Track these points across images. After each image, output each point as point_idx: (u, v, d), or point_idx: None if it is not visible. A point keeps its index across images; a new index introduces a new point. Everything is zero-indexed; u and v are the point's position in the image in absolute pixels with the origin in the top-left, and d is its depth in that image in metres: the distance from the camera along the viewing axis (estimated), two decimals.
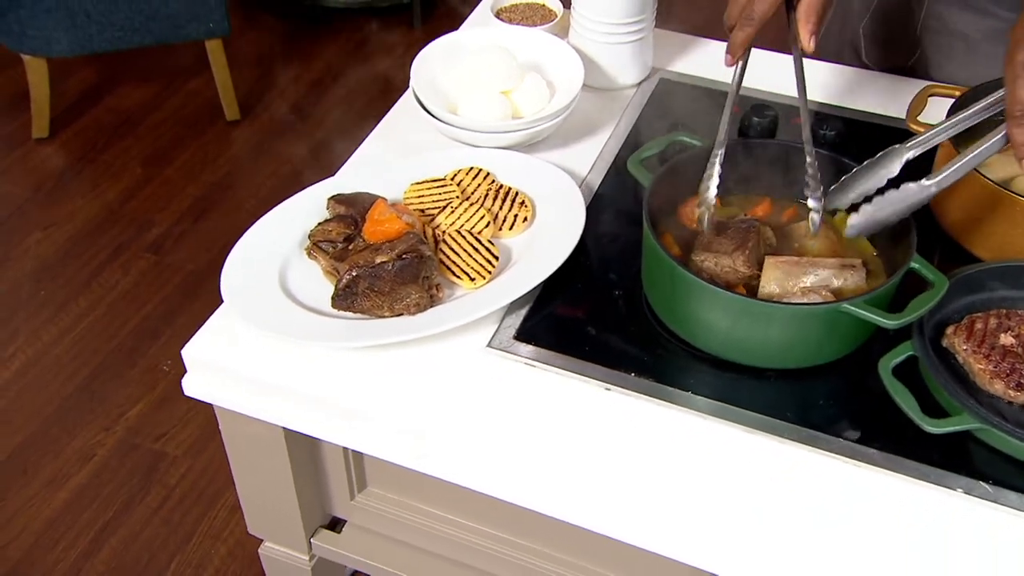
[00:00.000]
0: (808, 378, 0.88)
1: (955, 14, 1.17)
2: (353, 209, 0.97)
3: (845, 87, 1.23)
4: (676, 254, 0.94)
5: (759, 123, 1.13)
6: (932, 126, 0.98)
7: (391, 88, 0.98)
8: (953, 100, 1.02)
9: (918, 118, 1.03)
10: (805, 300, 0.87)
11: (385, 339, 0.88)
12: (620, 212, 1.07)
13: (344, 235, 0.96)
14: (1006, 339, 0.86)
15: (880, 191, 0.89)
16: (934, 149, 0.90)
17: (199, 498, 1.77)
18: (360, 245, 0.94)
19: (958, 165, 0.83)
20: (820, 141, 1.11)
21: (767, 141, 1.06)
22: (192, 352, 0.91)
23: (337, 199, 0.99)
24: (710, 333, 0.88)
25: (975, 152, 0.82)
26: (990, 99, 0.86)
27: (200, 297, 2.20)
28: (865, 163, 0.88)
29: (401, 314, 0.91)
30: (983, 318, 0.88)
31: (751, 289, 0.90)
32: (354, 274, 0.89)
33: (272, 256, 0.96)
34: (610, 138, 1.16)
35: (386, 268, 0.89)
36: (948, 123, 0.87)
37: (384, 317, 0.91)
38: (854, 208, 0.90)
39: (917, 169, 0.88)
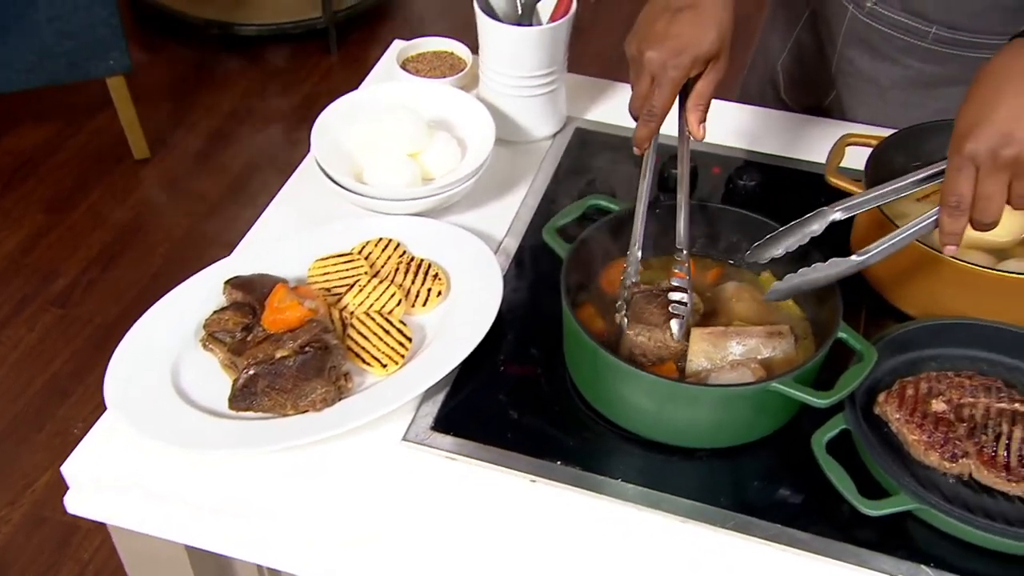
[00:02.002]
0: (741, 456, 0.84)
1: (866, 60, 1.16)
2: (251, 295, 0.89)
3: (765, 131, 1.19)
4: (599, 329, 0.89)
5: (678, 175, 1.09)
6: (853, 180, 0.97)
7: (310, 116, 0.93)
8: (871, 149, 0.99)
9: (837, 168, 1.00)
10: (735, 374, 0.83)
11: (288, 442, 0.80)
12: (540, 277, 1.01)
13: (242, 325, 0.88)
14: (937, 405, 0.83)
15: (805, 252, 0.85)
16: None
17: (115, 573, 1.66)
18: (259, 336, 0.86)
19: (887, 244, 0.81)
20: (740, 192, 1.08)
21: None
22: (73, 468, 0.82)
23: (234, 284, 0.91)
24: (637, 415, 0.84)
25: (906, 232, 0.80)
26: (923, 173, 0.83)
27: (112, 351, 2.07)
28: (792, 223, 0.86)
29: (307, 411, 0.83)
30: (913, 383, 0.85)
31: (682, 369, 0.86)
32: (251, 372, 0.81)
33: (163, 351, 0.88)
34: (527, 195, 1.10)
35: (287, 364, 0.82)
36: (877, 192, 0.84)
37: (288, 415, 0.83)
38: (775, 262, 0.88)
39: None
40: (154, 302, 0.91)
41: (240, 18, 2.87)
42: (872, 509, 0.75)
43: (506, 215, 1.07)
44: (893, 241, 0.80)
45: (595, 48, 2.64)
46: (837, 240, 0.94)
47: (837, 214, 0.84)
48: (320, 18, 2.86)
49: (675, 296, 0.87)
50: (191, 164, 2.56)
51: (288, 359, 0.82)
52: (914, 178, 0.84)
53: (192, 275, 0.94)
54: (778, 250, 0.86)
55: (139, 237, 2.36)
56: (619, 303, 0.88)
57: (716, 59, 0.85)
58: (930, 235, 0.93)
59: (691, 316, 0.87)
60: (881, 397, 0.85)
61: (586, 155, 1.16)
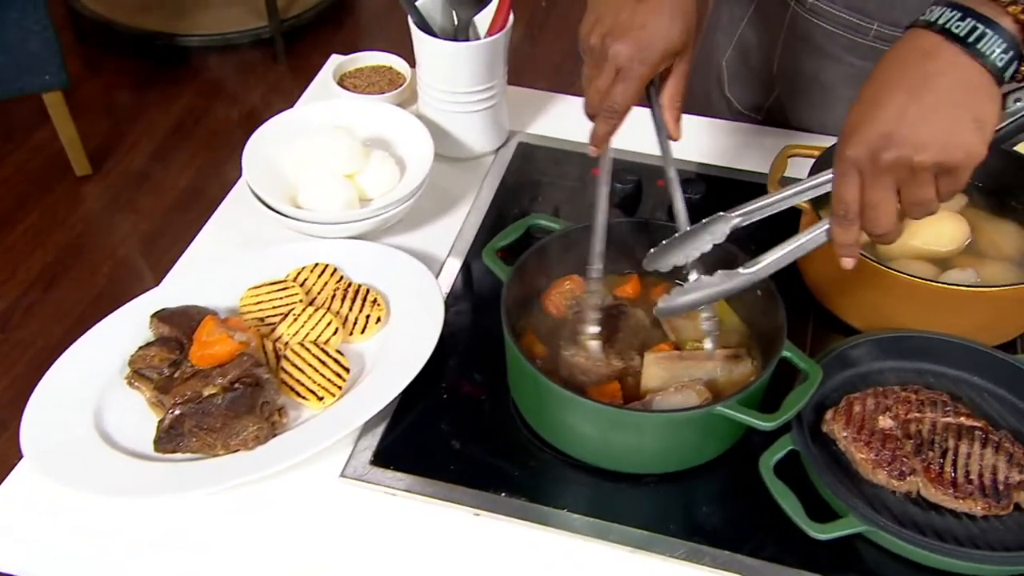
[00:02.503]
0: (690, 480, 0.82)
1: (808, 58, 1.14)
2: (179, 329, 0.85)
3: (710, 141, 1.18)
4: (542, 354, 0.86)
5: (622, 189, 1.07)
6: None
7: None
8: (815, 159, 0.98)
9: (779, 180, 0.98)
10: (680, 397, 0.81)
11: (218, 484, 0.77)
12: (484, 297, 0.98)
13: (169, 361, 0.84)
14: (884, 421, 0.82)
15: (697, 264, 0.81)
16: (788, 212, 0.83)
17: None
18: (187, 372, 0.82)
19: (779, 255, 0.75)
20: (685, 205, 1.05)
21: (631, 219, 0.99)
22: None
23: (161, 317, 0.87)
24: (582, 442, 0.81)
25: (797, 243, 0.75)
26: (823, 177, 0.75)
27: None
28: (690, 228, 0.80)
29: (238, 450, 0.79)
30: (860, 399, 0.84)
31: (630, 385, 0.84)
32: (177, 412, 0.77)
33: (85, 392, 0.83)
34: (469, 212, 1.08)
35: (215, 402, 0.78)
36: (776, 196, 0.78)
37: (219, 455, 0.79)
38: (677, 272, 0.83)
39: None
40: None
41: (183, 29, 2.81)
42: (821, 533, 0.74)
43: (448, 234, 1.04)
44: (784, 252, 0.75)
45: (544, 52, 2.63)
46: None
47: (736, 219, 0.78)
48: (266, 27, 2.80)
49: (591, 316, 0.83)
50: (135, 180, 2.49)
51: (216, 396, 0.78)
52: (813, 182, 0.75)
53: (130, 300, 0.90)
54: (678, 258, 0.80)
55: (82, 257, 2.28)
56: (585, 324, 0.84)
57: (683, 52, 0.79)
58: (876, 248, 0.94)
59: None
60: (828, 415, 0.83)
61: (530, 169, 1.13)
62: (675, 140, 0.83)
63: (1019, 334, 0.94)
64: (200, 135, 2.63)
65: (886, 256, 0.94)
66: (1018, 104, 0.67)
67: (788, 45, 1.15)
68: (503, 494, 0.80)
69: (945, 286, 0.87)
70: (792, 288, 0.95)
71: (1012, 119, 0.67)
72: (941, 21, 0.65)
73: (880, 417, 0.82)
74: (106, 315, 0.88)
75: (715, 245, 0.79)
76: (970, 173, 0.65)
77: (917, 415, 0.82)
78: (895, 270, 0.86)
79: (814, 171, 0.96)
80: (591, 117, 0.81)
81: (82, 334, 0.87)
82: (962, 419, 0.82)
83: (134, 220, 2.38)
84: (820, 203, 0.91)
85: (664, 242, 0.81)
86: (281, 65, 2.88)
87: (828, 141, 1.01)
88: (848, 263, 0.72)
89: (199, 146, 2.58)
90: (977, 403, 0.86)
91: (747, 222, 0.79)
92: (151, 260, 2.26)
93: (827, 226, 0.73)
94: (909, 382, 0.86)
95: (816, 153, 0.99)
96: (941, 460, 0.79)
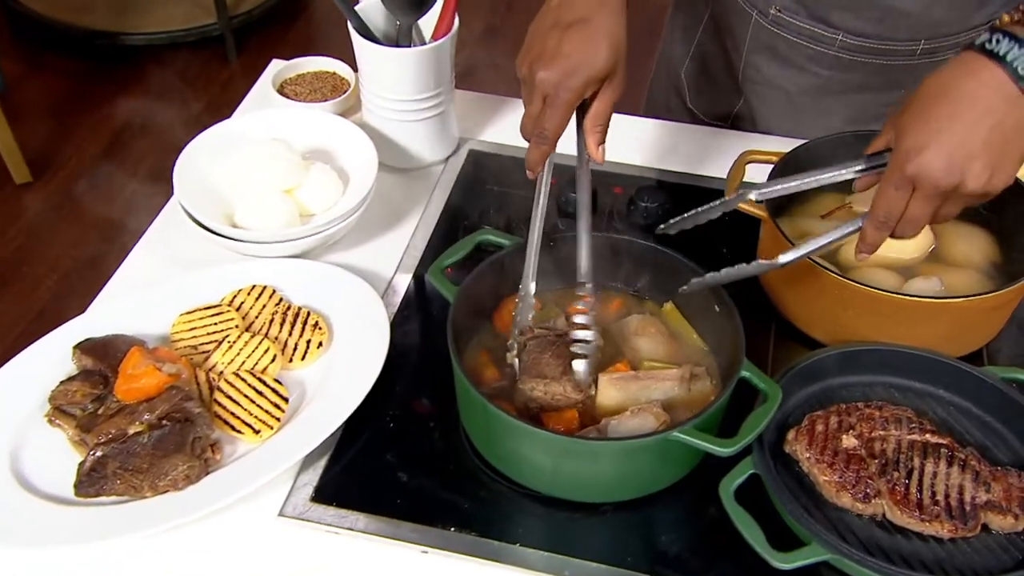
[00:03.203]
0: (648, 508, 0.80)
1: (773, 68, 1.13)
2: (103, 361, 0.82)
3: (668, 146, 1.16)
4: (493, 377, 0.84)
5: (575, 199, 1.05)
6: (754, 202, 0.93)
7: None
8: (772, 165, 0.96)
9: (738, 187, 0.96)
10: (636, 421, 0.79)
11: (147, 530, 0.73)
12: (434, 317, 0.96)
13: (92, 396, 0.80)
14: (848, 441, 0.80)
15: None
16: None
17: None
18: (112, 408, 0.78)
19: (812, 248, 0.80)
20: (643, 214, 1.05)
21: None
22: None
23: (83, 348, 0.83)
24: (534, 471, 0.79)
25: (831, 238, 0.80)
26: (842, 172, 0.82)
27: None
28: (714, 204, 0.86)
29: (167, 491, 0.76)
30: (823, 418, 0.82)
31: (586, 407, 0.82)
32: (99, 454, 0.74)
33: (1, 429, 0.79)
34: (418, 226, 1.05)
35: (140, 441, 0.75)
36: (799, 180, 0.84)
37: (146, 497, 0.76)
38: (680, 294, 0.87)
39: None
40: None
41: (127, 27, 2.73)
42: (783, 562, 0.72)
43: (395, 250, 1.01)
44: (818, 244, 0.80)
45: (505, 54, 2.59)
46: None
47: (754, 195, 0.85)
48: (215, 24, 2.74)
49: (579, 335, 0.82)
50: (79, 188, 2.42)
51: (142, 435, 0.75)
52: (831, 175, 0.82)
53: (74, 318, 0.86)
54: (689, 225, 0.87)
55: (23, 270, 2.22)
56: (510, 342, 0.83)
57: (611, 77, 0.81)
58: (833, 256, 0.94)
59: (596, 355, 0.82)
60: (790, 435, 0.82)
61: (482, 179, 1.11)
62: (597, 163, 0.85)
63: (985, 344, 0.93)
64: (148, 139, 2.56)
65: (848, 265, 0.93)
66: None
67: (753, 54, 1.14)
68: (452, 529, 0.78)
69: (908, 298, 0.86)
70: (754, 300, 0.95)
71: None
72: (1009, 58, 0.70)
73: (843, 436, 0.80)
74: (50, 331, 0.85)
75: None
76: None
77: (881, 433, 0.81)
78: (857, 282, 0.85)
79: (773, 176, 0.95)
80: (527, 140, 0.83)
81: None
82: (928, 436, 0.81)
83: (79, 230, 2.32)
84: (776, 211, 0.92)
85: (686, 214, 0.86)
86: (232, 64, 2.82)
87: (786, 144, 0.99)
88: (864, 257, 0.79)
89: (147, 151, 2.52)
90: (943, 418, 0.85)
91: (764, 198, 0.86)
92: (99, 273, 2.20)
93: (858, 224, 0.78)
94: (874, 397, 0.85)
95: (774, 159, 0.97)
96: (907, 481, 0.77)
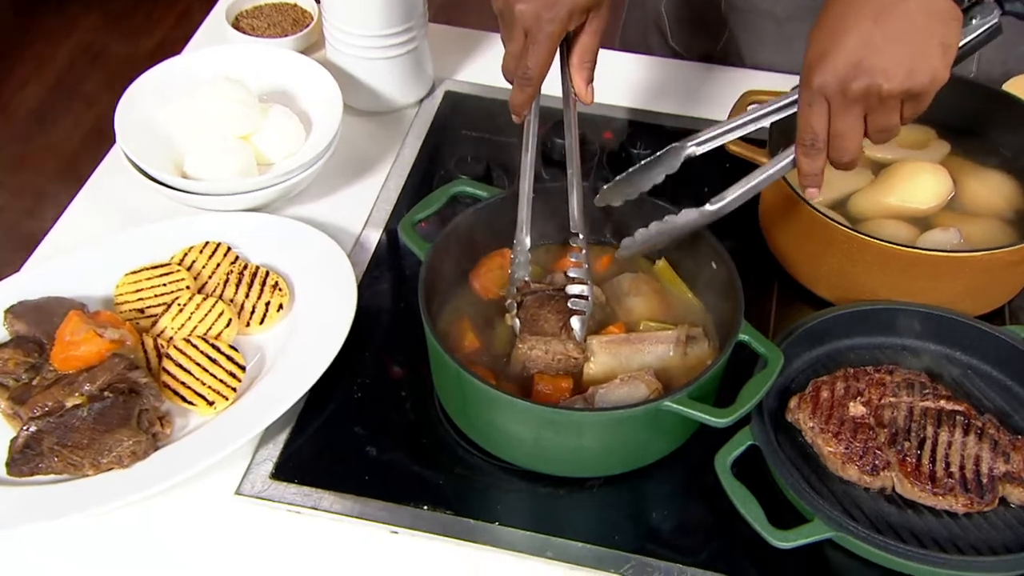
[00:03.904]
0: (638, 482, 0.79)
1: None
2: (38, 327, 0.80)
3: (660, 85, 1.13)
4: (471, 345, 0.82)
5: (563, 144, 1.02)
6: (755, 148, 0.92)
7: None
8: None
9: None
10: (626, 389, 0.77)
11: (89, 510, 0.72)
12: (405, 279, 0.94)
13: (27, 365, 0.78)
14: (856, 408, 0.79)
15: (655, 211, 0.82)
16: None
17: None
18: (48, 378, 0.77)
19: (744, 189, 0.78)
20: (635, 162, 1.00)
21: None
22: None
23: (16, 312, 0.81)
24: (514, 444, 0.78)
25: (763, 175, 0.77)
26: (777, 103, 0.80)
27: None
28: (643, 161, 0.83)
29: (112, 468, 0.74)
30: (829, 383, 0.81)
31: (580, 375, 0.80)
32: (32, 429, 0.72)
33: None
34: (389, 176, 1.03)
35: (79, 415, 0.73)
36: (736, 120, 0.81)
37: (87, 476, 0.74)
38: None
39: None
40: None
41: None
42: (783, 541, 0.71)
43: (364, 203, 1.00)
44: (750, 185, 0.77)
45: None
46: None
47: (691, 148, 0.82)
48: None
49: (574, 289, 0.81)
50: (21, 131, 2.36)
51: (81, 408, 0.73)
52: (767, 109, 0.80)
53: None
54: (630, 192, 0.84)
55: None
56: (508, 302, 0.82)
57: (596, 6, 0.79)
58: (842, 206, 0.92)
59: (593, 312, 0.81)
60: (793, 402, 0.80)
61: (460, 123, 1.09)
62: (586, 103, 0.83)
63: (1007, 301, 0.91)
64: (95, 79, 2.49)
65: (858, 216, 0.91)
66: (974, 22, 0.71)
67: None
68: (425, 507, 0.77)
69: (923, 252, 0.83)
70: (755, 256, 0.94)
71: (970, 38, 0.72)
72: None
73: (851, 403, 0.79)
74: None
75: (668, 176, 0.82)
76: (932, 97, 0.69)
77: (892, 399, 0.79)
78: (867, 235, 0.83)
79: (776, 122, 0.92)
80: (510, 82, 0.80)
81: None
82: (942, 403, 0.79)
83: (18, 182, 2.26)
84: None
85: (617, 178, 0.83)
86: None
87: (788, 82, 0.96)
88: (813, 192, 0.76)
89: (94, 92, 2.45)
90: (959, 382, 0.84)
91: (703, 151, 0.82)
92: (34, 228, 2.16)
93: (792, 156, 0.76)
94: (884, 361, 0.84)
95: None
96: (918, 451, 0.76)
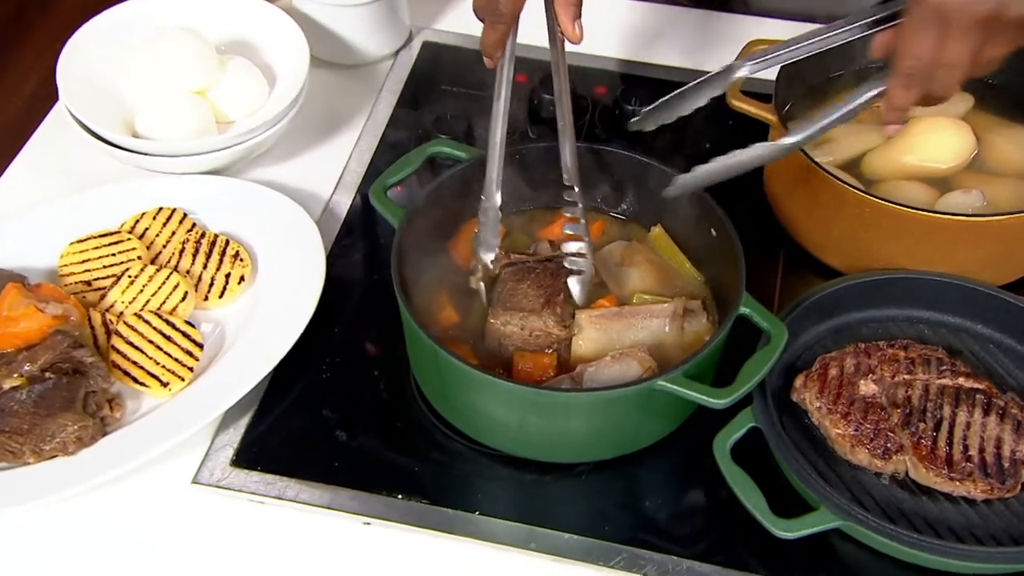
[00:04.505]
0: (630, 466, 0.79)
1: None
2: None
3: (653, 33, 1.12)
4: (450, 319, 0.81)
5: (552, 99, 1.00)
6: (759, 103, 0.90)
7: None
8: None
9: (741, 87, 0.91)
10: (617, 367, 0.76)
11: (30, 500, 0.72)
12: (379, 249, 0.93)
13: None
14: (867, 387, 0.78)
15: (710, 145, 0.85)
16: None
17: None
18: None
19: (829, 120, 0.74)
20: (629, 118, 0.98)
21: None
22: None
23: None
24: (497, 428, 0.77)
25: (849, 107, 0.73)
26: (809, 42, 0.78)
27: None
28: (692, 84, 0.82)
29: (56, 455, 0.74)
30: (837, 360, 0.80)
31: (565, 353, 0.80)
32: None
33: None
34: (361, 136, 1.02)
35: (18, 398, 0.72)
36: (803, 44, 0.79)
37: (28, 464, 0.73)
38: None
39: None
40: None
41: None
42: (787, 531, 0.70)
43: (334, 165, 0.99)
44: (829, 120, 0.74)
45: None
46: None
47: (745, 70, 0.80)
48: None
49: (571, 247, 0.80)
50: None
51: (20, 390, 0.73)
52: (861, 22, 0.76)
53: None
54: (671, 116, 0.83)
55: None
56: (472, 264, 0.81)
57: None
58: (854, 166, 0.91)
59: (592, 269, 0.80)
60: (799, 381, 0.80)
61: (440, 76, 1.08)
62: (574, 43, 0.80)
63: None
64: (49, 24, 2.45)
65: (872, 177, 0.90)
66: None
67: None
68: (399, 496, 0.76)
69: (943, 216, 0.82)
70: (759, 221, 0.93)
71: None
72: None
73: (861, 382, 0.79)
74: None
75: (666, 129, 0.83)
76: None
77: (906, 377, 0.79)
78: (881, 198, 0.82)
79: (784, 74, 0.92)
80: (480, 20, 0.78)
81: None
82: (961, 380, 0.79)
83: None
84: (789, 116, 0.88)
85: (662, 99, 0.82)
86: None
87: (801, 30, 0.94)
88: (894, 130, 0.73)
89: (39, 42, 2.41)
90: (980, 358, 0.83)
91: (757, 73, 0.80)
92: None
93: (878, 88, 0.71)
94: (898, 335, 0.84)
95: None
96: (934, 433, 0.75)
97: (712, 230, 0.80)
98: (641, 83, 1.04)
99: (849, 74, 0.95)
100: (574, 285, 0.79)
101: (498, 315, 0.79)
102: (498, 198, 0.81)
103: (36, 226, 0.87)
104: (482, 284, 0.80)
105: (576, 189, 0.80)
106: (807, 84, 0.94)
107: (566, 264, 0.80)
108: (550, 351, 0.79)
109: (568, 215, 0.80)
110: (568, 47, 0.80)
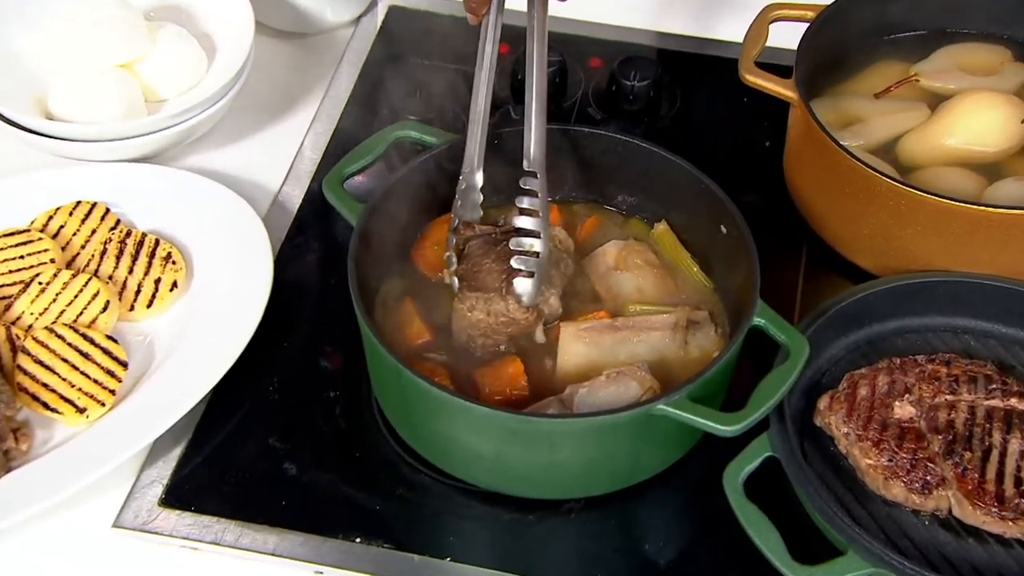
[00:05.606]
0: (627, 503, 0.78)
1: None
2: None
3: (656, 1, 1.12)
4: (416, 334, 0.81)
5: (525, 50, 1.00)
6: (778, 78, 0.90)
7: None
8: (808, 23, 0.93)
9: (756, 59, 0.92)
10: (613, 388, 0.76)
11: None
12: (336, 249, 0.92)
13: None
14: (902, 410, 0.78)
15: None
16: None
17: None
18: None
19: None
20: (627, 96, 1.02)
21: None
22: None
23: None
24: (471, 459, 0.76)
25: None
26: None
27: None
28: None
29: None
30: (869, 378, 0.80)
31: (544, 368, 0.79)
32: None
33: None
34: (316, 117, 1.02)
35: None
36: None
37: None
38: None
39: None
40: None
41: None
42: None
43: (284, 151, 1.00)
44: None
45: None
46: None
47: None
48: None
49: (522, 242, 0.78)
50: None
51: None
52: None
53: None
54: None
55: None
56: (447, 254, 0.81)
57: None
58: (889, 150, 0.92)
59: (547, 272, 0.79)
60: (823, 402, 0.79)
61: (408, 47, 1.09)
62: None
63: None
64: None
65: (909, 164, 0.90)
66: None
67: None
68: (358, 540, 0.76)
69: (991, 210, 0.82)
70: (778, 215, 0.94)
71: None
72: None
73: (896, 403, 0.79)
74: None
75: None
76: None
77: (949, 397, 0.79)
78: (919, 188, 0.82)
79: (805, 44, 0.92)
80: None
81: None
82: (1013, 401, 0.79)
83: None
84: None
85: None
86: None
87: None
88: None
89: None
90: None
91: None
92: None
93: None
94: (939, 348, 0.84)
95: (809, 15, 0.94)
96: (982, 464, 0.75)
97: (722, 226, 0.80)
98: (642, 54, 1.04)
99: (880, 42, 0.95)
100: (521, 284, 0.77)
101: (464, 299, 0.78)
102: (479, 177, 0.81)
103: None
104: (456, 279, 0.80)
105: (538, 178, 0.78)
106: (833, 54, 0.94)
107: (512, 263, 0.78)
108: (509, 348, 0.79)
109: (524, 205, 0.78)
110: (553, 8, 0.78)
